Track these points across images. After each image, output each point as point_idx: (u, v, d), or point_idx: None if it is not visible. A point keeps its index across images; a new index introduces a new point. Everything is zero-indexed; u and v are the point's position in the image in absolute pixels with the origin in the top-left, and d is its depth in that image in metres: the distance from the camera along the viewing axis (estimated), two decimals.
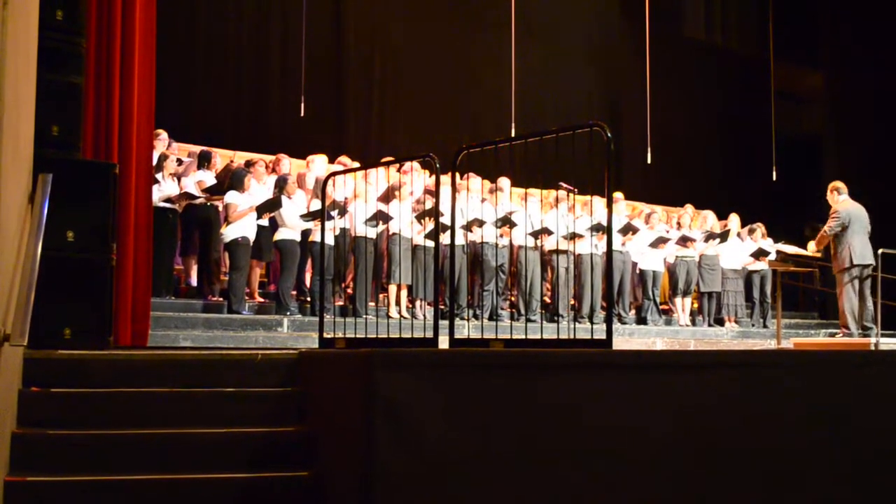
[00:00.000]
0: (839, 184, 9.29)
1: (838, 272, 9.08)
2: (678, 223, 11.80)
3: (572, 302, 10.44)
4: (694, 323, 11.64)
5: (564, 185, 8.21)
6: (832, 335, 9.33)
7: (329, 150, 10.49)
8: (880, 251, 9.29)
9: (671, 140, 14.25)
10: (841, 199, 9.16)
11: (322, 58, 12.53)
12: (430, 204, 9.23)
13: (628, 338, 10.11)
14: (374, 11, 13.36)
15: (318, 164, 9.83)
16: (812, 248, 9.46)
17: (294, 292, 9.22)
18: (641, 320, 11.20)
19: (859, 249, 8.90)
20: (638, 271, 11.38)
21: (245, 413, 4.54)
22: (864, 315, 8.94)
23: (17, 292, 3.81)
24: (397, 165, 8.74)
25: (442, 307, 7.39)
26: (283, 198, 8.93)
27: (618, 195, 10.98)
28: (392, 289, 9.27)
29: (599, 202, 8.25)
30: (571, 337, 4.95)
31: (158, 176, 8.25)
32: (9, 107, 3.83)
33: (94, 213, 5.14)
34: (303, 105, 10.98)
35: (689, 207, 12.16)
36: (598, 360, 4.18)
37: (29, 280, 3.79)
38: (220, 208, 8.84)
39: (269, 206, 8.79)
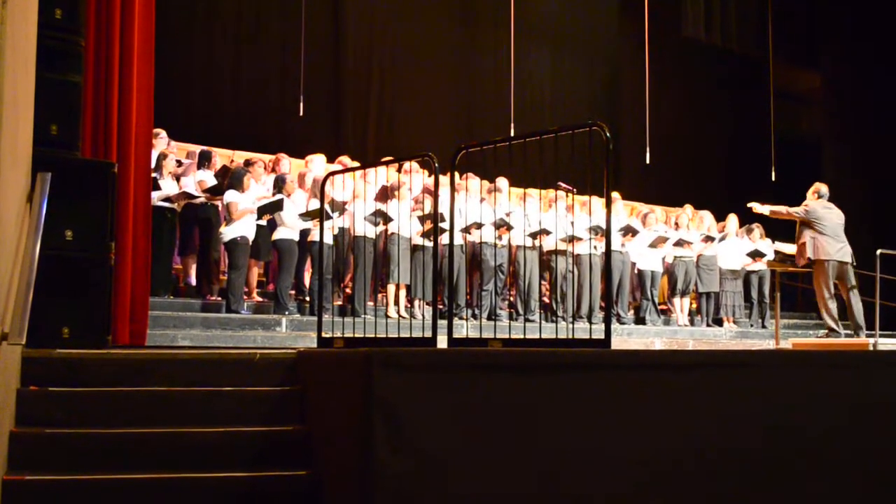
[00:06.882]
0: (821, 187, 9.11)
1: (802, 267, 9.00)
2: (676, 224, 11.80)
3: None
4: (692, 323, 11.64)
5: (563, 185, 8.21)
6: (821, 336, 9.29)
7: (328, 150, 10.49)
8: (879, 252, 9.28)
9: (670, 140, 14.26)
10: (815, 199, 8.99)
11: (321, 57, 12.52)
12: (428, 203, 9.23)
13: (627, 338, 10.10)
14: (373, 11, 13.36)
15: (318, 164, 9.83)
16: (765, 209, 9.28)
17: (293, 292, 9.22)
18: (640, 320, 11.20)
19: (826, 246, 8.74)
20: (637, 271, 11.38)
21: (243, 412, 4.53)
22: (855, 314, 8.92)
23: (16, 291, 3.80)
24: (396, 165, 8.74)
25: (440, 307, 7.40)
26: (284, 199, 8.92)
27: (615, 195, 10.97)
28: (391, 288, 9.27)
29: (598, 202, 8.25)
30: (570, 337, 4.95)
31: (158, 176, 8.25)
32: (8, 105, 3.83)
33: (93, 212, 5.12)
34: (302, 105, 10.98)
35: (687, 208, 12.16)
36: (597, 359, 4.18)
37: (27, 279, 3.79)
38: (220, 208, 8.83)
39: (272, 208, 8.78)
